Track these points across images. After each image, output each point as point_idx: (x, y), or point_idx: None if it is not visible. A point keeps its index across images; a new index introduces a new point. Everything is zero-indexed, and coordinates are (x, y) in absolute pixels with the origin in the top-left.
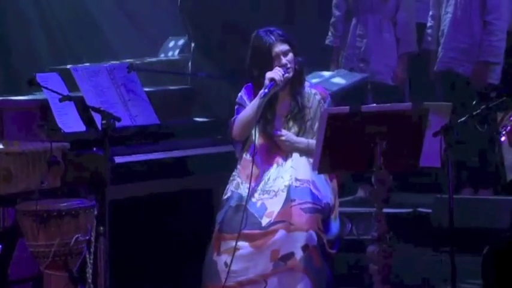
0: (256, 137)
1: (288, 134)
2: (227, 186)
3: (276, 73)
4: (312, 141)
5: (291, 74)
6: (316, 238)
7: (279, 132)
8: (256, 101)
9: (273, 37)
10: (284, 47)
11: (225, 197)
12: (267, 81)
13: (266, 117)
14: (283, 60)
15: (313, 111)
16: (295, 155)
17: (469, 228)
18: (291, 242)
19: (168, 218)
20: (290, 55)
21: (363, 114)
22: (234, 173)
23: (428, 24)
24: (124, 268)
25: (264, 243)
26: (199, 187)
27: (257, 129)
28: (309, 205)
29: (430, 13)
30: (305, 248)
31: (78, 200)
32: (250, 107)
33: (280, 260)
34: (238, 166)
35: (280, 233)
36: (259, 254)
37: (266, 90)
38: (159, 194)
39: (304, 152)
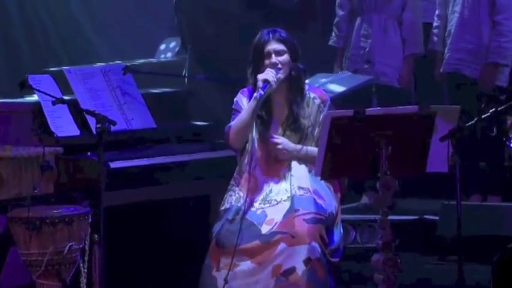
0: (256, 147)
1: (284, 142)
2: (225, 197)
3: (268, 74)
4: (311, 148)
5: (282, 76)
6: (319, 250)
7: (274, 140)
8: (251, 105)
9: (271, 35)
10: (279, 46)
11: (223, 207)
12: (260, 83)
13: (262, 119)
14: (274, 58)
15: (312, 117)
16: (294, 163)
17: (477, 236)
18: (292, 257)
19: (165, 225)
20: (284, 56)
21: (368, 118)
22: (232, 182)
23: (435, 24)
24: (119, 277)
25: (265, 258)
26: (197, 193)
27: (255, 138)
28: (312, 215)
29: (437, 12)
30: (307, 261)
31: (72, 206)
32: (245, 111)
33: (282, 276)
34: (237, 176)
35: (281, 246)
36: (260, 270)
37: (262, 92)
38: (155, 201)
39: (303, 159)
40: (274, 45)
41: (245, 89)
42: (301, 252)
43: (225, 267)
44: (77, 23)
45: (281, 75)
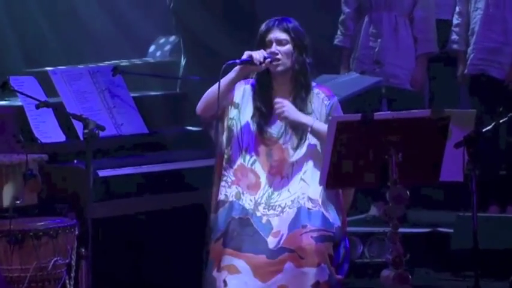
0: (254, 138)
1: (288, 103)
2: (221, 189)
3: (256, 52)
4: (319, 122)
5: (279, 68)
6: (328, 271)
7: (276, 100)
8: (225, 76)
9: (276, 23)
10: (281, 35)
11: (219, 198)
12: (244, 56)
13: (261, 112)
14: (274, 47)
15: (317, 111)
16: (309, 167)
17: (495, 249)
18: (300, 279)
19: (157, 238)
20: (286, 47)
21: (377, 122)
22: (226, 174)
23: (456, 21)
24: None
25: (270, 276)
26: (193, 203)
27: (253, 128)
28: (320, 233)
29: (457, 9)
30: (316, 285)
31: (57, 218)
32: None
33: None
34: (228, 166)
35: (288, 265)
36: None
37: (236, 61)
38: (147, 212)
39: (306, 127)
40: (276, 34)
41: (248, 80)
42: (310, 275)
43: (225, 268)
44: (72, 20)
45: (278, 68)
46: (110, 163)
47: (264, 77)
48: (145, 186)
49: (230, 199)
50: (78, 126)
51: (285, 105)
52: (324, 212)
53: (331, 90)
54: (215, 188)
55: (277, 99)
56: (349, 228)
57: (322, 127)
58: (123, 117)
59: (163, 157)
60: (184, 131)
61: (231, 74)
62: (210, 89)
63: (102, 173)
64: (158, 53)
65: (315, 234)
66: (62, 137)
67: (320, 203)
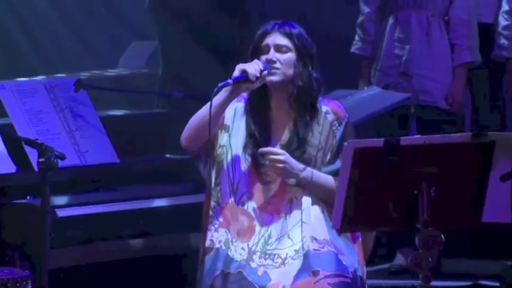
0: (246, 172)
1: (286, 155)
2: (207, 234)
3: (251, 65)
4: (319, 174)
5: (275, 78)
6: None
7: (271, 149)
8: (213, 97)
9: (276, 26)
10: (282, 40)
11: (209, 252)
12: (236, 72)
13: (256, 139)
14: (271, 54)
15: (323, 137)
16: (305, 202)
17: None
18: None
19: None
20: (287, 56)
21: (404, 149)
22: (213, 215)
23: (504, 23)
24: None
25: None
26: (170, 251)
27: (246, 159)
28: (339, 279)
29: (506, 8)
30: None
31: (6, 268)
32: (207, 104)
33: None
34: (217, 205)
35: None
36: None
37: (229, 81)
38: (117, 260)
39: (307, 184)
40: (275, 38)
41: (240, 96)
42: None
43: None
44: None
45: (274, 77)
46: (71, 200)
47: (259, 93)
48: (116, 229)
49: (217, 245)
50: (31, 153)
51: (282, 160)
52: (338, 253)
53: (343, 107)
54: (203, 235)
55: (270, 149)
56: (369, 281)
57: (322, 178)
58: (88, 143)
59: (138, 193)
60: (164, 160)
61: (222, 95)
62: (196, 115)
63: (62, 213)
64: (131, 63)
65: (333, 281)
66: (11, 168)
67: (329, 242)
